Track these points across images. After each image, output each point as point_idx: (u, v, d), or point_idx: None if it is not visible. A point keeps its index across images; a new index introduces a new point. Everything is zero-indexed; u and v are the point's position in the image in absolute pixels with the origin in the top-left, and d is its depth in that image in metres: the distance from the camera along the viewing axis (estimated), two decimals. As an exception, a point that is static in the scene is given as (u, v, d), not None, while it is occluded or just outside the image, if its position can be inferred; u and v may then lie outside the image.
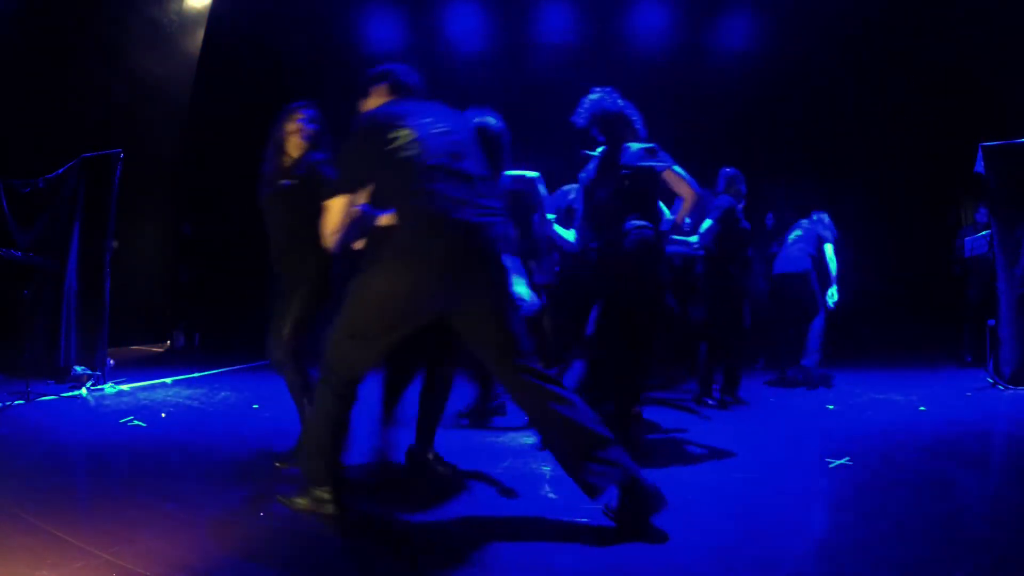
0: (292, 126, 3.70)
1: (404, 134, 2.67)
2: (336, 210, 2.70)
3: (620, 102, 4.04)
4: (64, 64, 7.37)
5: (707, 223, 5.21)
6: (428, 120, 2.76)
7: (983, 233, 6.97)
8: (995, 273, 6.00)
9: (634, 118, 4.06)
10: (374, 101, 3.03)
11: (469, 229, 2.57)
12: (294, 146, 3.72)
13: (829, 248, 6.53)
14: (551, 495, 3.17)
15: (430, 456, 3.49)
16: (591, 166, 4.21)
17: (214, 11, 9.01)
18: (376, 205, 2.74)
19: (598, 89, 4.02)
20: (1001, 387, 5.83)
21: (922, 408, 5.16)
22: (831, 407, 5.32)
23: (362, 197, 2.76)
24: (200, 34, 9.13)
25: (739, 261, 5.61)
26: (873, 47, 8.42)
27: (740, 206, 5.57)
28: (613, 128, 3.99)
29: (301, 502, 2.80)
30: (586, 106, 4.04)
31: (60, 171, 6.50)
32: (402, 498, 3.11)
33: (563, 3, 8.92)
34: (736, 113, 8.61)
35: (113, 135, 6.93)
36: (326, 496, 2.73)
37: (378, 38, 9.11)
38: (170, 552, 2.45)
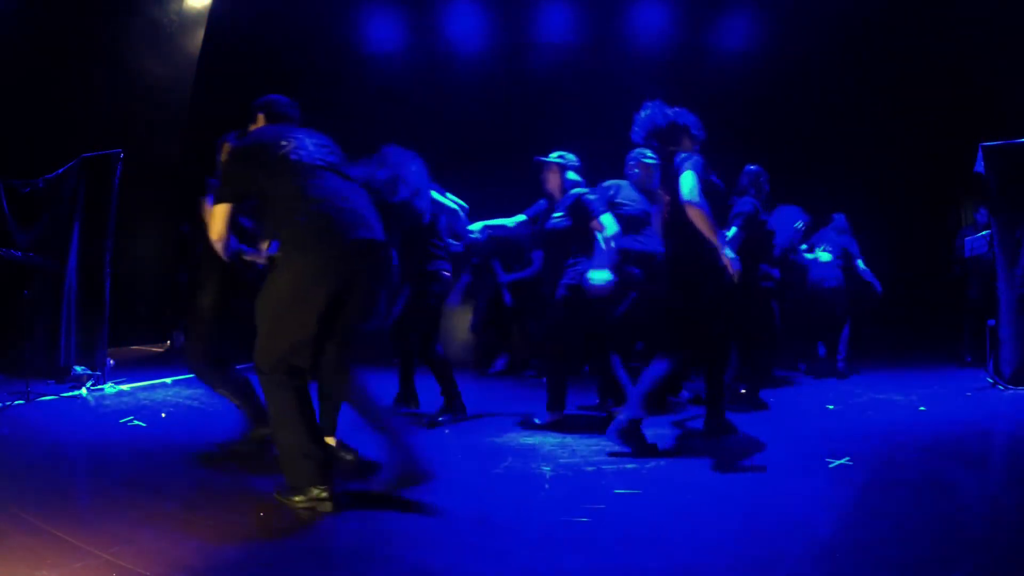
0: (224, 153, 4.13)
1: (288, 144, 3.05)
2: (219, 218, 3.00)
3: (669, 112, 4.17)
4: (64, 64, 7.37)
5: (732, 231, 5.16)
6: (305, 136, 3.15)
7: (983, 233, 6.97)
8: (995, 273, 6.00)
9: (688, 123, 4.17)
10: (257, 126, 3.38)
11: (348, 215, 2.93)
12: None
13: (860, 264, 6.98)
14: (551, 495, 3.17)
15: (334, 443, 3.65)
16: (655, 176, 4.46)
17: (214, 11, 9.00)
18: (261, 215, 3.06)
19: (649, 104, 4.21)
20: (1001, 387, 5.83)
21: (922, 408, 5.16)
22: (831, 407, 5.32)
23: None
24: (200, 34, 9.12)
25: (767, 260, 5.63)
26: (873, 47, 8.42)
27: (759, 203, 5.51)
28: (667, 140, 4.15)
29: (298, 500, 2.86)
30: (639, 123, 4.22)
31: (60, 171, 6.50)
32: (402, 498, 3.11)
33: (563, 3, 8.92)
34: (735, 113, 8.60)
35: (113, 135, 6.91)
36: (323, 494, 2.84)
37: (378, 38, 9.11)
38: (170, 552, 2.45)
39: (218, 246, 3.06)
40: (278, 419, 2.90)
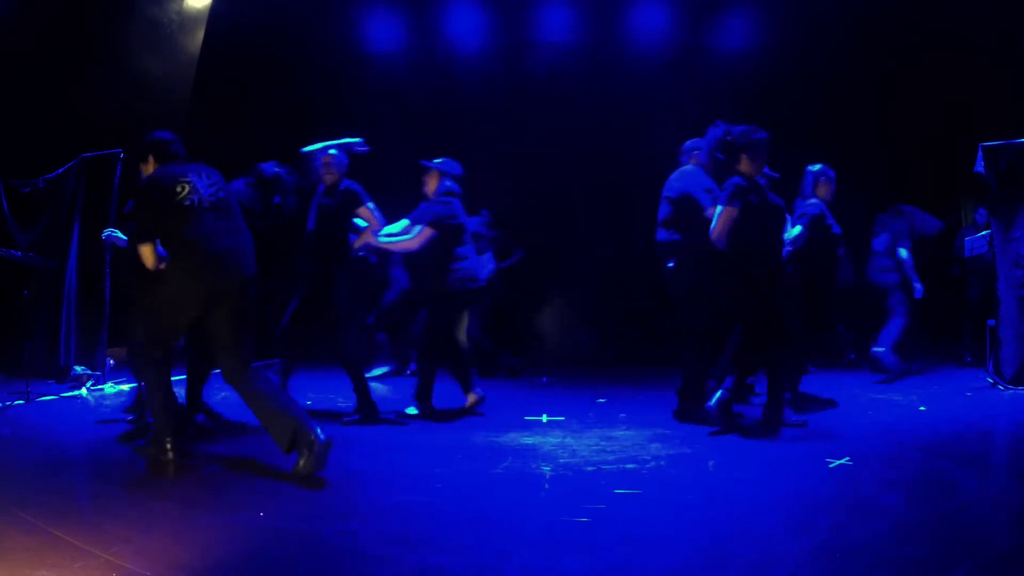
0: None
1: (183, 189, 3.60)
2: (147, 255, 3.54)
3: (733, 131, 4.51)
4: (64, 64, 7.35)
5: (796, 230, 5.19)
6: (195, 175, 3.67)
7: (983, 233, 6.97)
8: (995, 273, 6.00)
9: (756, 137, 4.49)
10: (151, 166, 3.88)
11: (223, 255, 3.57)
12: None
13: (903, 251, 6.68)
14: (551, 495, 3.17)
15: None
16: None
17: (214, 11, 8.98)
18: (163, 243, 3.58)
19: (720, 122, 4.62)
20: (1001, 387, 5.83)
21: (922, 408, 5.16)
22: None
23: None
24: (200, 34, 9.11)
25: (828, 262, 5.62)
26: (873, 47, 8.41)
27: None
28: (732, 153, 4.48)
29: (149, 451, 3.64)
30: (707, 138, 4.62)
31: (60, 171, 6.50)
32: (402, 498, 3.12)
33: (563, 3, 8.92)
34: (735, 113, 8.60)
35: (113, 135, 6.91)
36: (167, 445, 3.58)
37: (378, 38, 9.11)
38: (170, 552, 2.45)
39: (151, 265, 3.58)
40: (150, 388, 3.75)
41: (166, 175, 3.66)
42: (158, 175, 3.70)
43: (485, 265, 6.45)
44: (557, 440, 4.22)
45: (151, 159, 3.86)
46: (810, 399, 5.30)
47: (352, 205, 4.73)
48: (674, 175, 5.08)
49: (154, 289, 3.62)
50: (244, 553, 2.49)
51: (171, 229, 3.55)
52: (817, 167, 5.58)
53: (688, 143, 5.20)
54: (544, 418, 4.90)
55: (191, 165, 3.77)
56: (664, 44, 8.78)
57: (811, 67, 8.50)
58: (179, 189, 3.59)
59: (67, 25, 7.37)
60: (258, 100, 8.93)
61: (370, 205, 4.74)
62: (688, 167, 5.09)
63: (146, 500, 3.06)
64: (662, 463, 3.67)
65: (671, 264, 4.94)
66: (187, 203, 3.56)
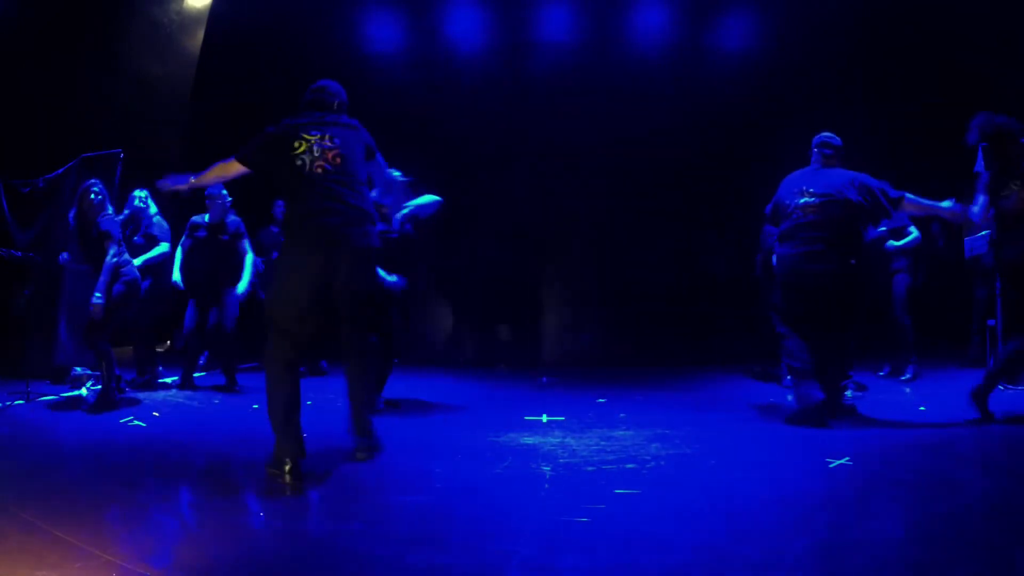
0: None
1: (302, 144, 3.47)
2: (224, 167, 3.64)
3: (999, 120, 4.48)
4: (64, 64, 7.36)
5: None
6: (319, 135, 3.52)
7: (983, 233, 6.96)
8: (995, 273, 5.99)
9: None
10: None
11: (336, 226, 3.41)
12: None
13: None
14: (551, 495, 3.17)
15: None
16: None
17: (214, 11, 8.99)
18: (277, 192, 3.78)
19: (984, 113, 4.58)
20: (1001, 387, 5.82)
21: (922, 408, 5.16)
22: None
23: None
24: (200, 34, 9.12)
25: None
26: (873, 47, 8.42)
27: None
28: (1002, 143, 4.49)
29: (270, 469, 3.31)
30: (975, 125, 4.60)
31: (60, 171, 6.50)
32: (402, 498, 3.12)
33: (563, 3, 8.92)
34: (736, 113, 8.61)
35: (113, 135, 6.91)
36: (286, 467, 3.25)
37: (378, 38, 9.11)
38: (170, 552, 2.46)
39: (205, 179, 3.81)
40: (272, 393, 3.42)
41: (291, 124, 3.56)
42: (289, 122, 3.60)
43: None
44: (557, 440, 4.22)
45: (306, 103, 3.79)
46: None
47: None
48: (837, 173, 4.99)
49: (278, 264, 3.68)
50: (244, 553, 2.49)
51: (283, 185, 3.53)
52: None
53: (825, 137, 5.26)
54: (544, 418, 4.90)
55: (328, 119, 3.64)
56: (664, 44, 8.78)
57: (811, 67, 8.50)
58: (296, 144, 3.46)
59: (67, 25, 7.37)
60: (258, 100, 8.93)
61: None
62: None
63: (146, 500, 3.07)
64: (662, 463, 3.67)
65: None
66: (298, 163, 3.41)
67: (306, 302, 3.40)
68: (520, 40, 8.96)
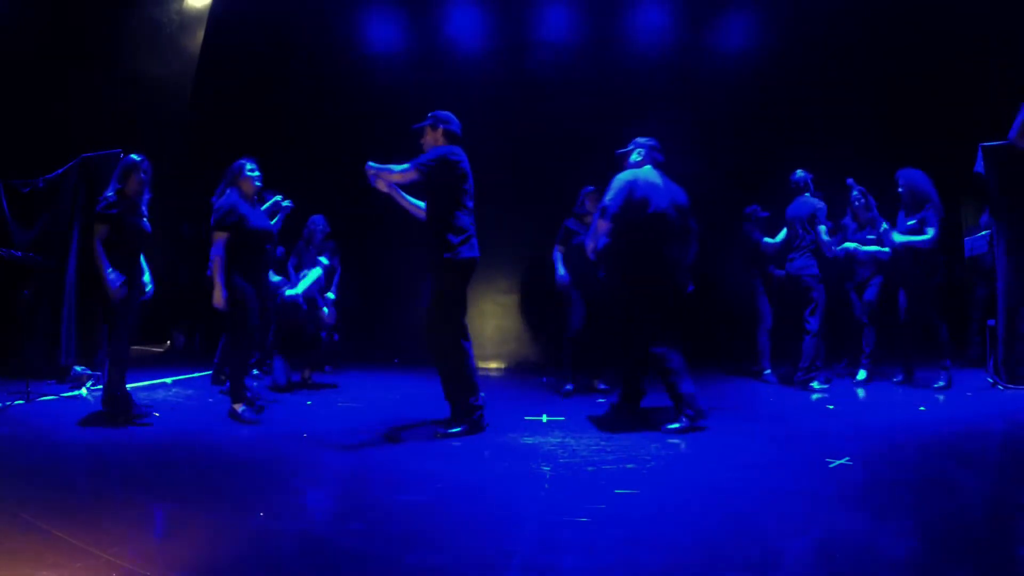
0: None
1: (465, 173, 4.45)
2: (402, 171, 4.41)
3: None
4: (64, 64, 7.36)
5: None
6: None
7: (983, 233, 6.97)
8: (995, 273, 6.00)
9: None
10: (435, 137, 4.65)
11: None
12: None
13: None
14: (551, 495, 3.17)
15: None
16: None
17: (214, 11, 8.99)
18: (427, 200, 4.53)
19: None
20: (1001, 387, 5.83)
21: (922, 408, 5.16)
22: (831, 407, 5.32)
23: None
24: (200, 34, 9.12)
25: None
26: (873, 47, 8.42)
27: None
28: None
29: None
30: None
31: (60, 171, 6.49)
32: (402, 498, 3.11)
33: (563, 3, 8.91)
34: (736, 113, 8.61)
35: (113, 135, 6.91)
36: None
37: (378, 38, 9.11)
38: (170, 552, 2.45)
39: (390, 178, 4.52)
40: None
41: (457, 153, 4.47)
42: (453, 150, 4.47)
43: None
44: (557, 440, 4.22)
45: (442, 132, 4.63)
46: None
47: None
48: None
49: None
50: (244, 553, 2.49)
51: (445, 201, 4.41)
52: None
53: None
54: (544, 418, 4.91)
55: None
56: (664, 44, 8.78)
57: (810, 67, 8.50)
58: (461, 173, 4.45)
59: (67, 25, 7.37)
60: (258, 100, 8.93)
61: None
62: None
63: (146, 500, 3.06)
64: (662, 463, 3.67)
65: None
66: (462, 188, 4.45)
67: None
68: (520, 40, 8.96)
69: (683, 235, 4.71)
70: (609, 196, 4.63)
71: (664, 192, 4.64)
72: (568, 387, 6.09)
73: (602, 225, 4.63)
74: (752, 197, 7.25)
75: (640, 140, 4.96)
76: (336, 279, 7.27)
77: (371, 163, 4.47)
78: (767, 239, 6.90)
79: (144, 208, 4.89)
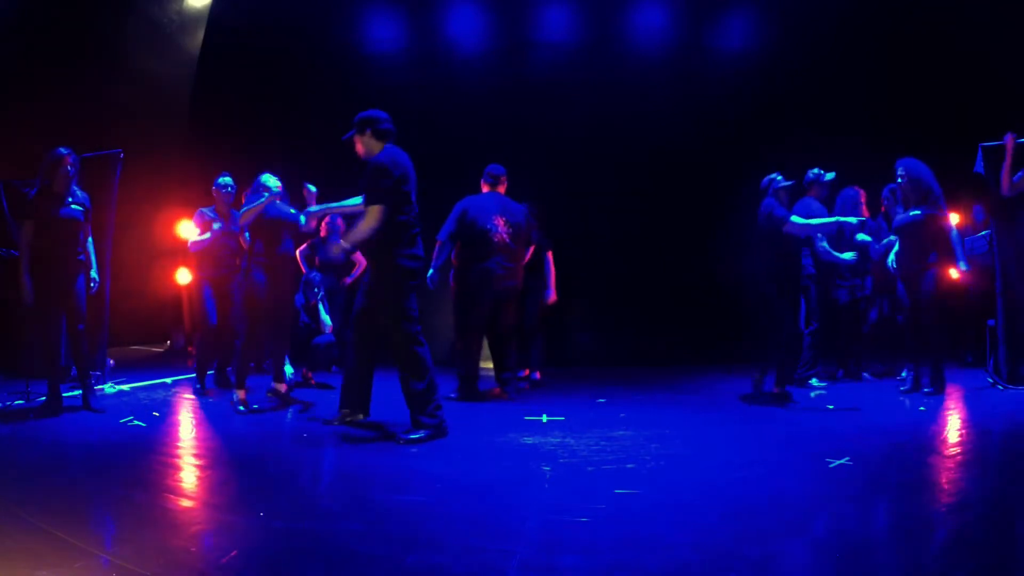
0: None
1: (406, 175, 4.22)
2: (371, 218, 4.14)
3: None
4: (64, 64, 7.36)
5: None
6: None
7: (983, 233, 6.97)
8: (994, 273, 6.00)
9: None
10: (367, 142, 4.31)
11: None
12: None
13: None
14: (551, 495, 3.17)
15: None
16: None
17: (214, 11, 9.00)
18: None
19: None
20: (1001, 387, 5.83)
21: (922, 408, 5.16)
22: (831, 407, 5.32)
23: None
24: (200, 34, 9.12)
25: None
26: (872, 47, 8.42)
27: None
28: None
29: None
30: None
31: (60, 171, 6.48)
32: (402, 498, 3.11)
33: (563, 3, 8.91)
34: (737, 113, 8.61)
35: (113, 135, 6.91)
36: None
37: (378, 38, 9.10)
38: (170, 552, 2.45)
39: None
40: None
41: (399, 157, 4.27)
42: (393, 154, 4.27)
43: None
44: (557, 440, 4.22)
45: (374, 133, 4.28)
46: None
47: None
48: None
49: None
50: (244, 553, 2.49)
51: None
52: None
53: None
54: (544, 418, 4.91)
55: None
56: (664, 44, 8.77)
57: (810, 67, 8.49)
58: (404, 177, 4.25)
59: (67, 25, 7.37)
60: (258, 101, 8.92)
61: None
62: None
63: (146, 500, 3.06)
64: (662, 463, 3.67)
65: None
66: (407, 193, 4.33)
67: None
68: (520, 40, 8.95)
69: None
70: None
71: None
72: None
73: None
74: (752, 197, 7.23)
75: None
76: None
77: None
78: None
79: (72, 199, 4.92)
